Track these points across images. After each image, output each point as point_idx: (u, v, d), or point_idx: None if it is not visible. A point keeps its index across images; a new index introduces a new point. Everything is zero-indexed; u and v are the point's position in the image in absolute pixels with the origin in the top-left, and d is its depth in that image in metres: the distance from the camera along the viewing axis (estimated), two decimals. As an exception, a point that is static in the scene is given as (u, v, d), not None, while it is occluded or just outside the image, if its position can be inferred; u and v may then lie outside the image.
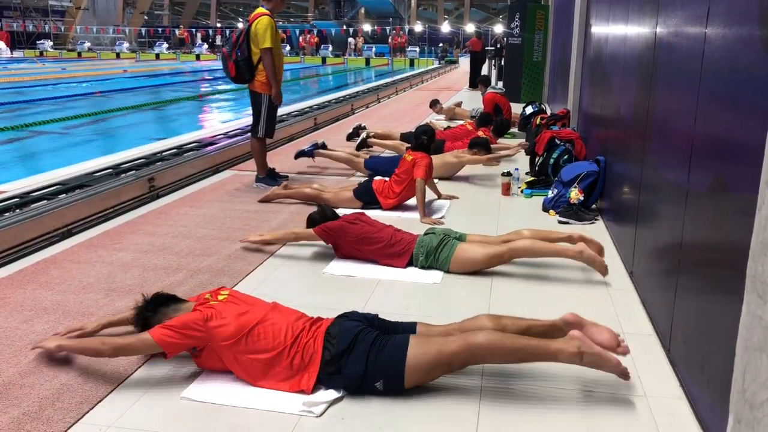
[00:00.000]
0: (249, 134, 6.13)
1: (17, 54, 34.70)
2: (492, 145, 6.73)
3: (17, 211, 4.52)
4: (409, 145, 5.75)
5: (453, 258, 3.69)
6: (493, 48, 18.76)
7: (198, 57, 33.77)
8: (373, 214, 4.43)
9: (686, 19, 2.83)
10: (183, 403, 2.41)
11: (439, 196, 5.45)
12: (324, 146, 6.51)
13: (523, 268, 3.79)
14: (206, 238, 4.33)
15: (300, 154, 6.42)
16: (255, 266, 3.82)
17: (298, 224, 4.42)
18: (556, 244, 3.68)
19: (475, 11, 48.61)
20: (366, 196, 5.09)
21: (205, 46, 37.06)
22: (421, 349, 2.40)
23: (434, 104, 10.95)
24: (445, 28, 43.63)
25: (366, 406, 2.38)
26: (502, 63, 16.30)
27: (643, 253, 3.45)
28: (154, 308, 2.63)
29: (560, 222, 4.79)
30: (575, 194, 4.85)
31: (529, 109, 8.92)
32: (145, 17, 44.73)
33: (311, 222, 4.01)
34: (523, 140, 7.91)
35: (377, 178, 5.38)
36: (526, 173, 6.22)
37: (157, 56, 34.24)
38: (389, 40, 36.35)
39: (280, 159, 6.83)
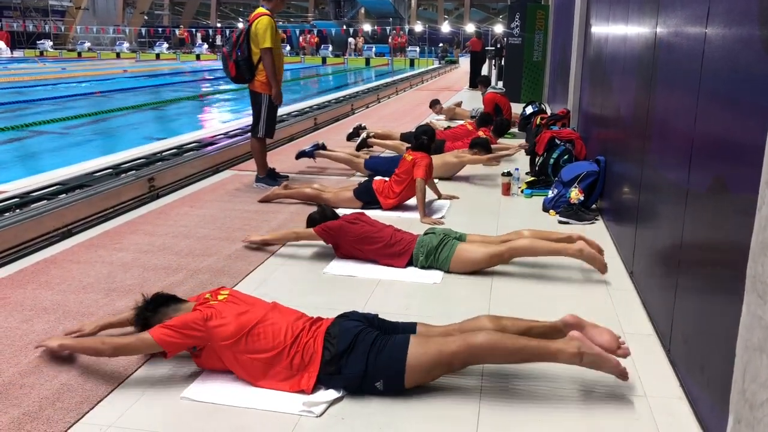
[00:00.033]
0: (249, 134, 6.13)
1: (17, 54, 34.71)
2: (492, 146, 6.73)
3: (17, 211, 4.52)
4: (409, 145, 5.75)
5: (453, 258, 3.69)
6: (493, 48, 18.77)
7: (198, 57, 33.78)
8: (373, 214, 4.43)
9: (686, 19, 2.83)
10: (183, 403, 2.41)
11: (440, 196, 5.45)
12: (324, 147, 6.51)
13: (523, 268, 3.79)
14: (206, 238, 4.33)
15: (301, 155, 6.42)
16: (255, 266, 3.82)
17: (298, 224, 4.42)
18: (556, 243, 3.68)
19: (475, 11, 48.62)
20: (366, 196, 5.09)
21: (205, 46, 37.08)
22: (422, 349, 2.40)
23: (434, 104, 10.96)
24: (445, 28, 43.63)
25: (366, 406, 2.38)
26: (502, 63, 16.30)
27: (643, 253, 3.45)
28: (154, 308, 2.63)
29: (560, 222, 4.80)
30: (575, 194, 4.85)
31: (529, 109, 8.93)
32: (145, 17, 44.74)
33: (311, 222, 4.01)
34: (523, 140, 7.92)
35: (377, 178, 5.38)
36: (526, 173, 6.22)
37: (158, 56, 34.25)
38: (389, 40, 36.35)
39: (280, 159, 6.83)
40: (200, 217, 4.81)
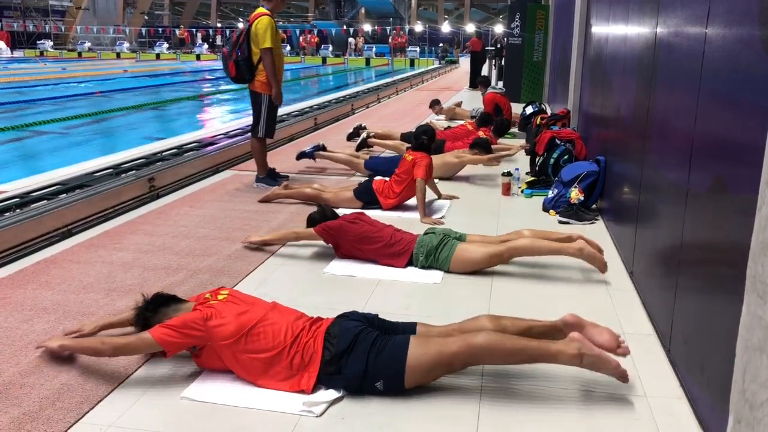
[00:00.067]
0: (249, 134, 6.13)
1: (17, 54, 34.73)
2: (493, 146, 6.73)
3: (17, 211, 4.52)
4: (410, 145, 5.75)
5: (453, 258, 3.69)
6: (493, 48, 18.76)
7: (198, 57, 33.79)
8: (373, 214, 4.43)
9: (686, 19, 2.83)
10: (183, 403, 2.41)
11: (440, 196, 5.46)
12: (324, 148, 6.51)
13: (523, 268, 3.80)
14: (206, 238, 4.33)
15: (301, 155, 6.43)
16: (255, 266, 3.82)
17: (298, 224, 4.42)
18: (556, 243, 3.68)
19: (475, 11, 48.62)
20: (366, 196, 5.09)
21: (206, 46, 37.09)
22: (422, 350, 2.40)
23: (434, 104, 10.96)
24: (446, 28, 43.63)
25: (366, 406, 2.38)
26: (503, 63, 16.30)
27: (643, 253, 3.45)
28: (154, 308, 2.64)
29: (560, 222, 4.80)
30: (575, 194, 4.85)
31: (530, 109, 8.93)
32: (146, 17, 44.75)
33: (311, 222, 4.01)
34: (524, 141, 7.92)
35: (377, 178, 5.38)
36: (527, 173, 6.22)
37: (158, 56, 34.26)
38: (389, 40, 36.36)
39: (281, 159, 6.83)
40: (200, 217, 4.81)
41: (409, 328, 2.63)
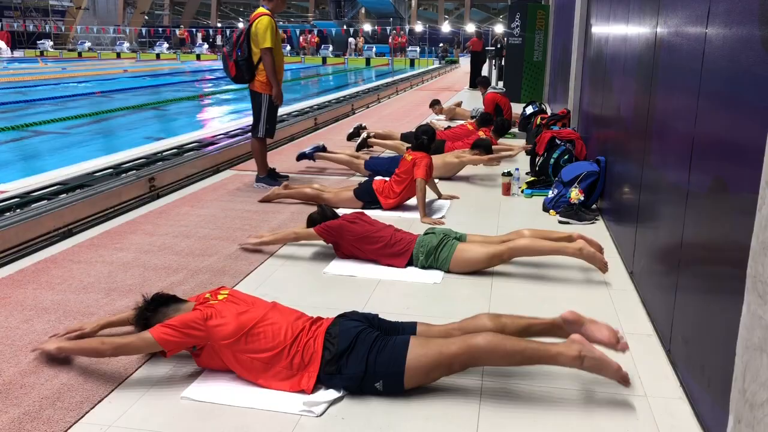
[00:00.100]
0: (249, 134, 6.13)
1: (18, 54, 34.73)
2: (494, 146, 6.73)
3: (18, 211, 4.52)
4: (410, 145, 5.76)
5: (453, 258, 3.69)
6: (493, 48, 18.76)
7: (198, 57, 33.80)
8: (373, 214, 4.43)
9: (687, 19, 2.83)
10: (183, 402, 2.41)
11: (440, 196, 5.46)
12: (324, 149, 6.51)
13: (523, 268, 3.80)
14: (206, 237, 4.33)
15: (301, 156, 6.43)
16: (255, 266, 3.82)
17: (298, 224, 4.42)
18: (556, 242, 3.68)
19: (475, 11, 48.62)
20: (366, 196, 5.09)
21: (206, 45, 37.10)
22: (422, 351, 2.40)
23: (434, 104, 10.96)
24: (446, 28, 43.64)
25: (366, 406, 2.39)
26: (503, 63, 16.30)
27: (643, 253, 3.45)
28: (155, 308, 2.63)
29: (561, 222, 4.80)
30: (576, 194, 4.85)
31: (530, 109, 8.93)
32: (146, 17, 44.76)
33: (311, 222, 4.01)
34: (524, 141, 7.92)
35: (377, 178, 5.38)
36: (527, 173, 6.22)
37: (158, 56, 34.27)
38: (390, 40, 36.37)
39: (281, 159, 6.84)
40: (200, 217, 4.81)
41: (410, 328, 2.63)
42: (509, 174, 5.65)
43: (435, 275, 3.67)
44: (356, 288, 3.51)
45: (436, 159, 5.71)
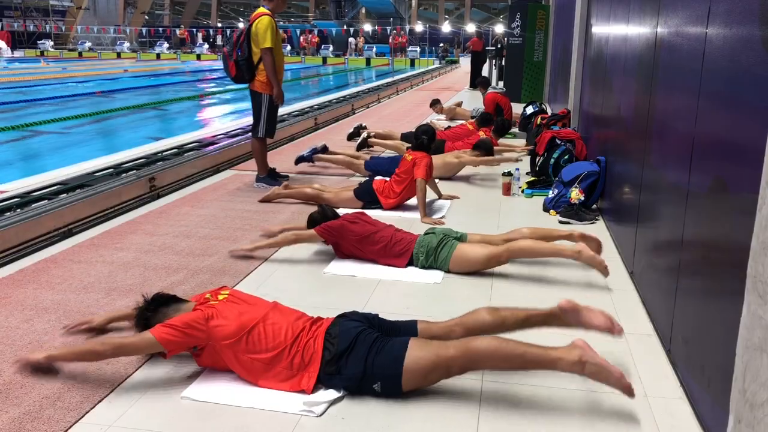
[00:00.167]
0: (249, 134, 6.13)
1: (18, 54, 34.74)
2: (495, 147, 6.73)
3: (18, 210, 4.52)
4: (410, 145, 5.76)
5: (452, 258, 3.69)
6: (493, 48, 18.76)
7: (199, 57, 33.82)
8: (373, 214, 4.43)
9: (687, 20, 2.83)
10: (183, 402, 2.41)
11: (440, 196, 5.46)
12: (325, 149, 6.51)
13: (523, 268, 3.79)
14: (207, 237, 4.33)
15: (300, 160, 6.43)
16: (255, 266, 3.82)
17: (298, 224, 4.42)
18: (555, 244, 3.67)
19: (475, 11, 48.62)
20: (367, 196, 5.09)
21: (206, 45, 37.11)
22: (420, 353, 2.39)
23: (435, 104, 10.95)
24: (446, 28, 43.63)
25: (366, 407, 2.38)
26: (503, 63, 16.31)
27: (643, 253, 3.45)
28: (155, 308, 2.63)
29: (561, 222, 4.80)
30: (576, 194, 4.85)
31: (530, 109, 8.93)
32: (146, 17, 44.78)
33: (312, 222, 4.00)
34: (524, 142, 7.92)
35: (378, 177, 5.38)
36: (527, 173, 6.22)
37: (158, 56, 34.29)
38: (390, 40, 36.37)
39: (281, 159, 6.84)
40: (201, 217, 4.81)
41: (410, 326, 2.63)
42: (509, 174, 5.65)
43: (435, 275, 3.67)
44: (356, 288, 3.51)
45: (436, 159, 5.71)
